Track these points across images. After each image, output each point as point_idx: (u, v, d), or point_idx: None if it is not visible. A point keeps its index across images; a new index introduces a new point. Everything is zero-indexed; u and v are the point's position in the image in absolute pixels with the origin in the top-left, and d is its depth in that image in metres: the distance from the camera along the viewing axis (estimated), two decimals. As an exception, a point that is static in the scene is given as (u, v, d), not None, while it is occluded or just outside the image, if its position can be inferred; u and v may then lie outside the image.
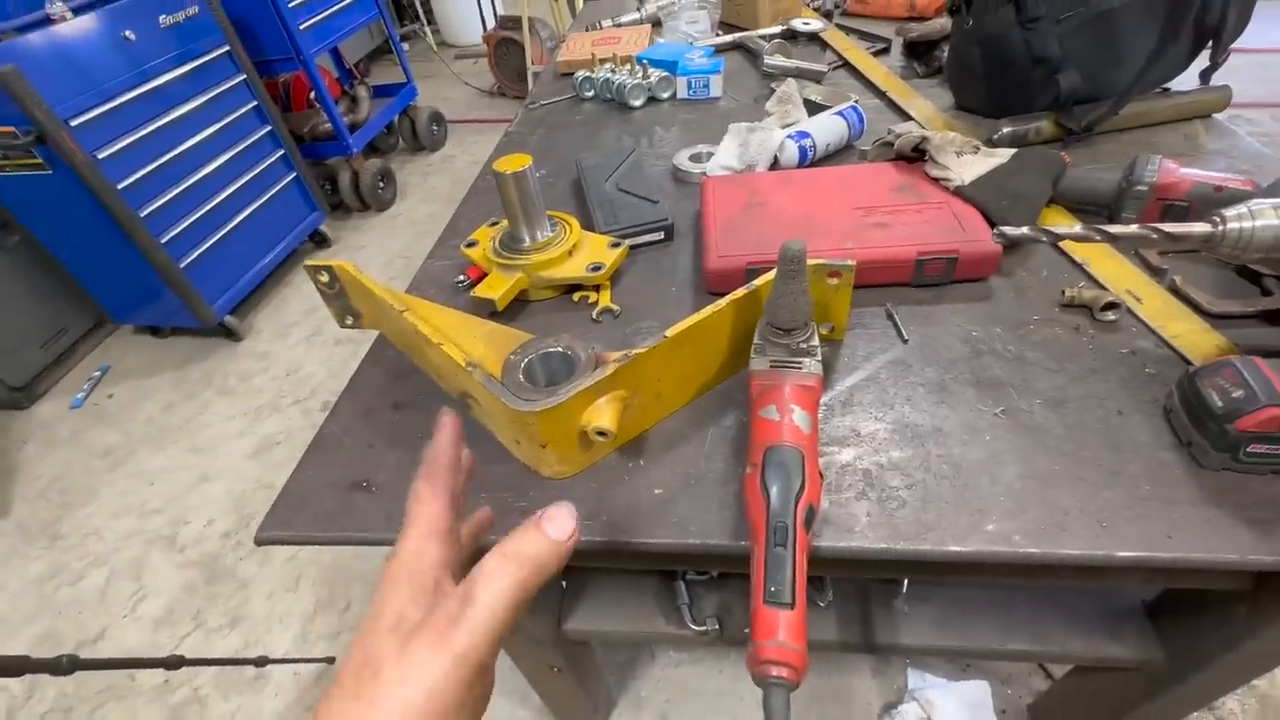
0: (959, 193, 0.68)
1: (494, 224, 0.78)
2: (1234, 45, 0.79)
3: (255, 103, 2.14)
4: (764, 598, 0.36)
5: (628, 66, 1.13)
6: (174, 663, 1.01)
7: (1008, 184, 0.67)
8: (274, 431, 1.83)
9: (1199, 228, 0.36)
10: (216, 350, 2.15)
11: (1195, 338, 0.54)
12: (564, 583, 0.87)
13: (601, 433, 0.47)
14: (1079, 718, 0.94)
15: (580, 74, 1.15)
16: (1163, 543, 0.42)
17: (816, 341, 0.49)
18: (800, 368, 0.47)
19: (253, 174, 2.14)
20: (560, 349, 0.52)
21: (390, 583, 0.28)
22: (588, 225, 0.76)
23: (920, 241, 0.63)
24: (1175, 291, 0.59)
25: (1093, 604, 0.78)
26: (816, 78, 1.06)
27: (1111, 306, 0.57)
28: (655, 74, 1.10)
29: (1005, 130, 0.81)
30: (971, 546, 0.43)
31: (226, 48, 2.01)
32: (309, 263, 0.65)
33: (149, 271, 1.87)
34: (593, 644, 1.03)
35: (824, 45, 1.22)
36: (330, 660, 1.28)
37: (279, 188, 2.27)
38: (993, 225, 0.64)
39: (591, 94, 1.16)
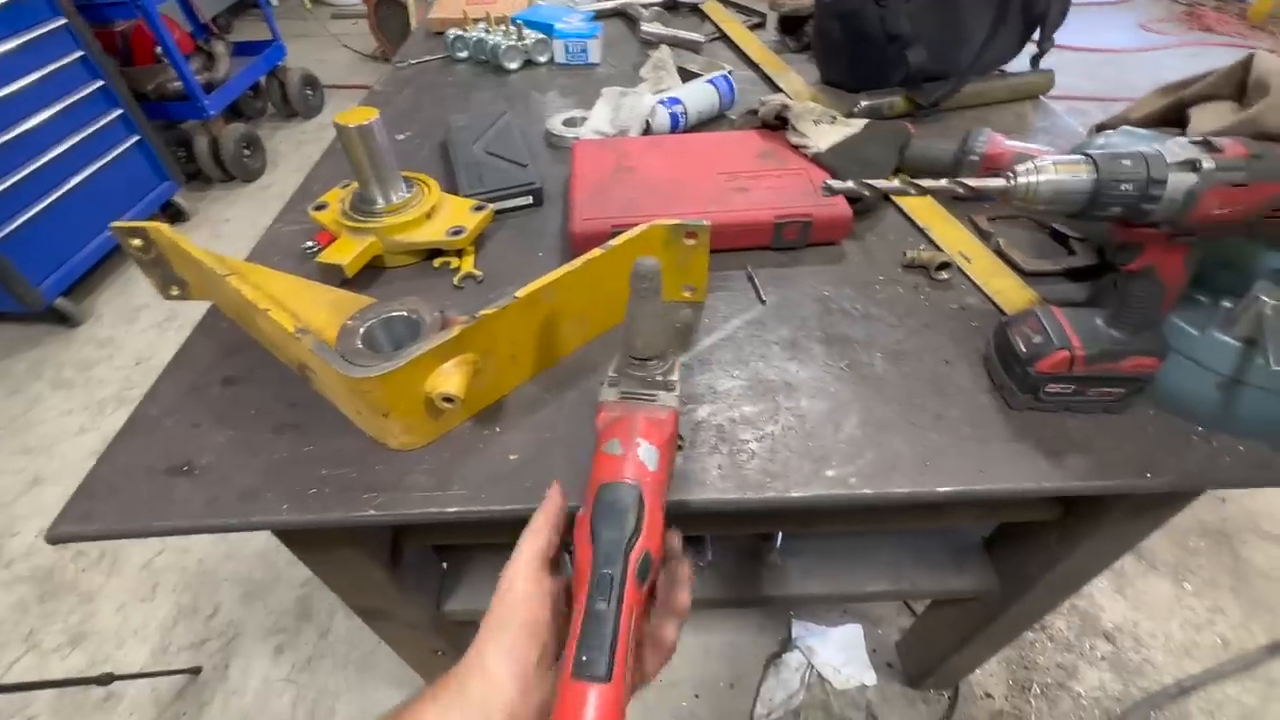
0: (816, 159, 0.70)
1: (346, 185, 0.73)
2: (1070, 44, 0.88)
3: (81, 52, 1.86)
4: (572, 669, 0.30)
5: (503, 27, 1.08)
6: (-9, 690, 0.88)
7: (860, 152, 0.70)
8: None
9: (996, 182, 0.39)
10: (47, 338, 1.88)
11: (1013, 294, 0.60)
12: (444, 564, 0.84)
13: (448, 399, 0.45)
14: (935, 645, 1.03)
15: (452, 33, 1.09)
16: (976, 477, 0.46)
17: (677, 376, 0.43)
18: (654, 400, 0.41)
19: (83, 135, 1.87)
20: (403, 313, 0.49)
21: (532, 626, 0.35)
22: (451, 189, 0.72)
23: (777, 206, 0.65)
24: (999, 253, 0.64)
25: (941, 544, 0.85)
26: (694, 47, 1.07)
27: (944, 266, 0.62)
28: (531, 36, 1.06)
29: (863, 104, 0.85)
30: (812, 491, 0.45)
31: (38, -15, 1.73)
32: (115, 225, 0.57)
33: (-50, 247, 1.59)
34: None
35: (703, 16, 1.22)
36: (196, 670, 1.17)
37: (118, 151, 2.00)
38: (845, 191, 0.67)
39: (465, 55, 1.10)
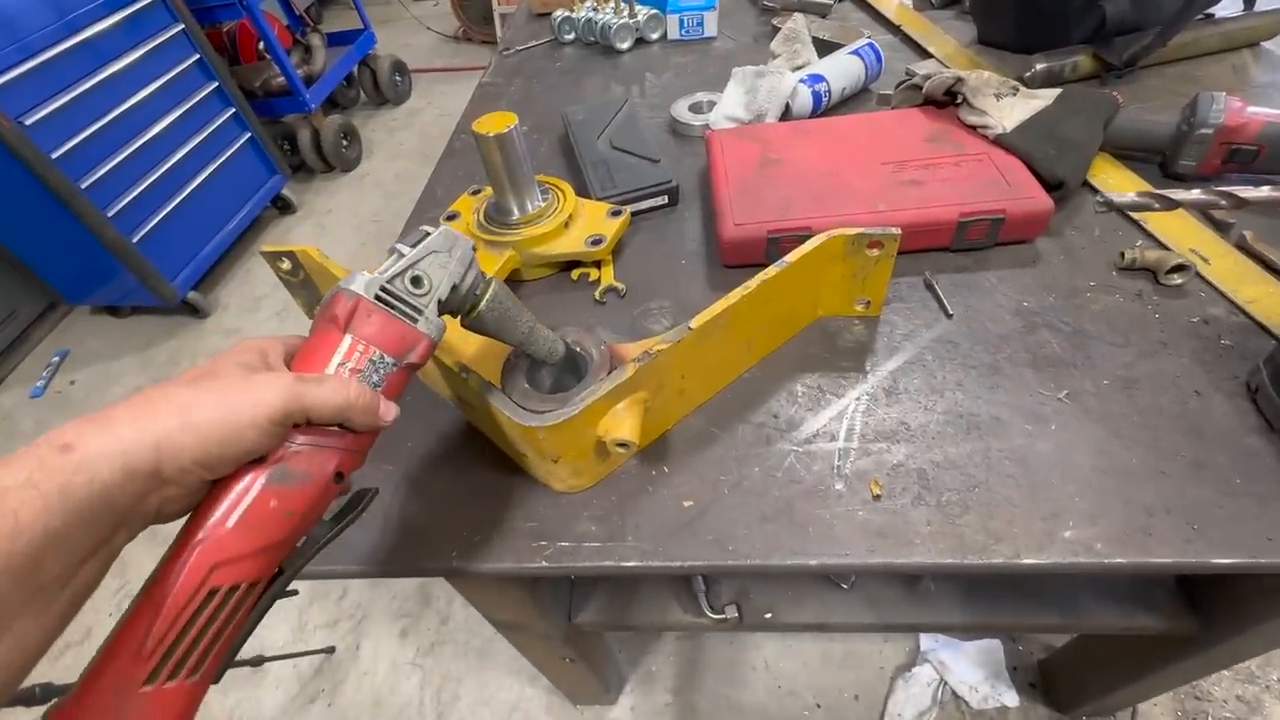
0: (1000, 142, 0.60)
1: (475, 192, 0.70)
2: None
3: (198, 55, 1.95)
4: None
5: (611, 4, 1.01)
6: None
7: (1055, 130, 0.60)
8: (251, 413, 1.74)
9: (1352, 188, 0.29)
10: (181, 329, 2.03)
11: (1273, 302, 0.49)
12: (572, 576, 0.82)
13: (623, 444, 0.41)
14: (1097, 673, 0.93)
15: (558, 14, 1.03)
16: (1264, 546, 0.37)
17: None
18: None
19: (203, 136, 1.97)
20: (569, 345, 0.45)
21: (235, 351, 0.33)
22: (581, 190, 0.68)
23: (961, 201, 0.56)
24: (1245, 249, 0.53)
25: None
26: (822, 11, 0.96)
27: (1179, 269, 0.51)
28: (643, 12, 0.99)
29: (1039, 67, 0.74)
30: (1050, 558, 0.38)
31: (159, -7, 1.81)
32: (266, 249, 0.57)
33: (99, 248, 1.72)
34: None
35: (826, -26, 1.11)
36: (330, 650, 1.24)
37: (233, 150, 2.10)
38: (1039, 177, 0.57)
39: (572, 36, 1.05)
